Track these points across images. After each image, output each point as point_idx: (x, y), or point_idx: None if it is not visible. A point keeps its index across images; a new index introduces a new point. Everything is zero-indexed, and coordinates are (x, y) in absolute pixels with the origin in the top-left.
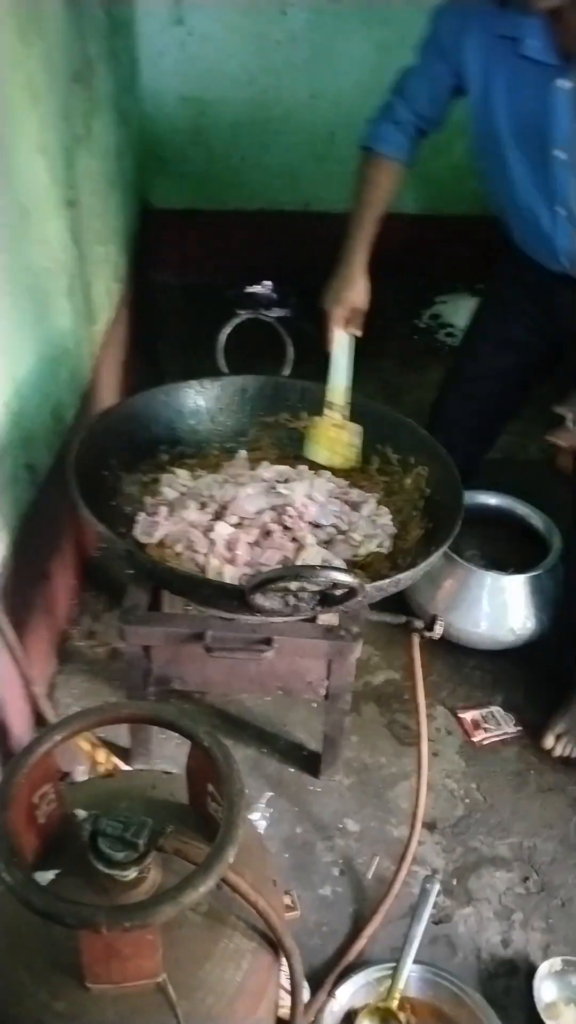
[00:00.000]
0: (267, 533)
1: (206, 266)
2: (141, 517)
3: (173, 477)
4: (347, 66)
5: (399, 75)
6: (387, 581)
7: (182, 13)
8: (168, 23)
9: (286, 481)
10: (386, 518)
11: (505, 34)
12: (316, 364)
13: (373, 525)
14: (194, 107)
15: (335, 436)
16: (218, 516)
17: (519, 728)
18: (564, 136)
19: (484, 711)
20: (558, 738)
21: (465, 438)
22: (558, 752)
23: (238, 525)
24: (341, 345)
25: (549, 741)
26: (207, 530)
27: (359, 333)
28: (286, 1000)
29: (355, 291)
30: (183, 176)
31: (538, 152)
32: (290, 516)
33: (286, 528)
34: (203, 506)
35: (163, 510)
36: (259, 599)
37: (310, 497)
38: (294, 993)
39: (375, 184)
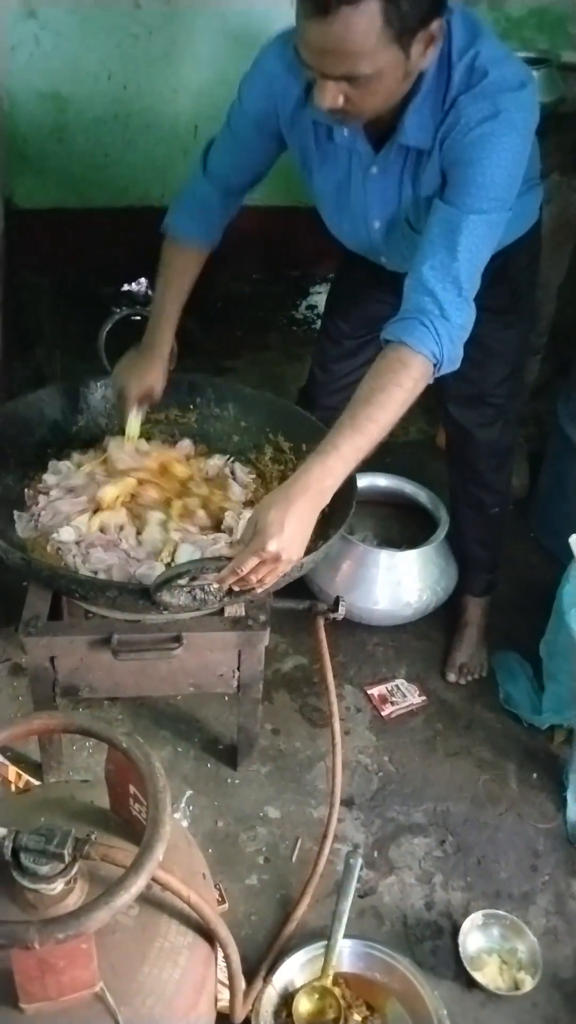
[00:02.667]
0: None
1: (79, 266)
2: (17, 515)
3: (56, 464)
4: (206, 58)
5: (206, 147)
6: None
7: (34, 6)
8: (20, 16)
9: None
10: None
11: (317, 120)
12: (199, 358)
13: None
14: (54, 103)
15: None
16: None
17: (423, 698)
18: (378, 213)
19: (390, 685)
20: (460, 670)
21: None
22: (462, 682)
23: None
24: (132, 424)
25: (452, 676)
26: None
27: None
28: (223, 993)
29: (152, 375)
30: (47, 175)
31: (357, 218)
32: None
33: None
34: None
35: (41, 499)
36: (165, 596)
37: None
38: (232, 982)
39: (176, 270)
